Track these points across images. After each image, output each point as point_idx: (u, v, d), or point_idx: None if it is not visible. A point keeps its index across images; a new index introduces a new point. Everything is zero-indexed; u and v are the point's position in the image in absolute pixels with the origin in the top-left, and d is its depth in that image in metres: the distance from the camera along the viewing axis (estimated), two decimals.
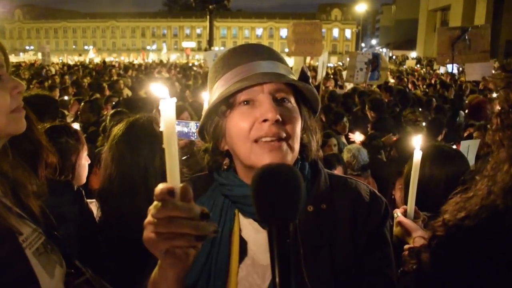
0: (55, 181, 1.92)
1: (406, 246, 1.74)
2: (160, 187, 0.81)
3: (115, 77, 16.01)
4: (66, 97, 9.13)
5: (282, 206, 0.83)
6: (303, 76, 1.28)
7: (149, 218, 0.84)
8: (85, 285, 1.49)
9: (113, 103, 7.10)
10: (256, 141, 1.17)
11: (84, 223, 2.06)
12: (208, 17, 31.27)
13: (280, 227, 0.82)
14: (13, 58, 35.49)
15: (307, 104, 1.31)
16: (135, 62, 36.61)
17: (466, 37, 8.95)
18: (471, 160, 4.08)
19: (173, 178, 0.83)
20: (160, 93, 0.83)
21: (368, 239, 1.24)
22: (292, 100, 1.24)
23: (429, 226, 1.19)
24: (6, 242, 1.21)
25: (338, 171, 4.04)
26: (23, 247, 1.25)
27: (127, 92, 11.12)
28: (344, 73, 12.98)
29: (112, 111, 5.15)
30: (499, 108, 1.04)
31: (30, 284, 1.22)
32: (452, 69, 10.33)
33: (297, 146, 1.22)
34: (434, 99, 8.93)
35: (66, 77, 15.38)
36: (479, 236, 0.99)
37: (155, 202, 0.83)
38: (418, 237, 1.73)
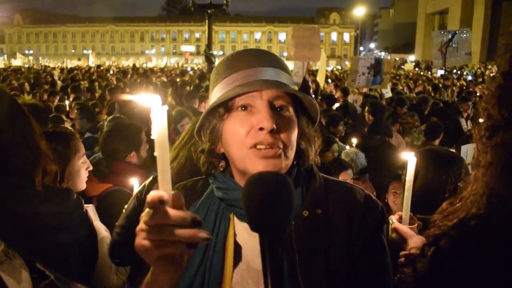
0: (54, 189, 1.92)
1: (402, 253, 1.73)
2: (152, 194, 0.81)
3: (114, 82, 16.02)
4: (67, 102, 9.10)
5: (272, 217, 0.83)
6: (304, 86, 1.28)
7: (141, 225, 0.84)
8: None
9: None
10: (251, 148, 1.17)
11: (84, 230, 2.05)
12: (207, 21, 31.24)
13: (272, 235, 0.82)
14: (12, 62, 35.55)
15: (306, 113, 1.30)
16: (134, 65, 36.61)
17: (455, 40, 9.26)
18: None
19: (165, 185, 0.83)
20: (151, 101, 0.82)
21: (364, 244, 1.23)
22: (291, 108, 1.23)
23: (423, 234, 1.21)
24: None
25: (345, 175, 4.06)
26: None
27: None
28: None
29: (110, 117, 5.12)
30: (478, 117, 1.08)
31: None
32: (444, 72, 10.65)
33: (291, 155, 1.22)
34: (427, 102, 8.96)
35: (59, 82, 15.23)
36: (469, 244, 1.00)
37: (147, 209, 0.83)
38: (414, 244, 1.73)
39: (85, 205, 2.34)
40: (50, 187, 1.86)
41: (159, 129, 0.81)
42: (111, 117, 5.45)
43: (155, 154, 0.82)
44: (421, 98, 9.33)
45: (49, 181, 1.86)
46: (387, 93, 10.04)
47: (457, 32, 9.54)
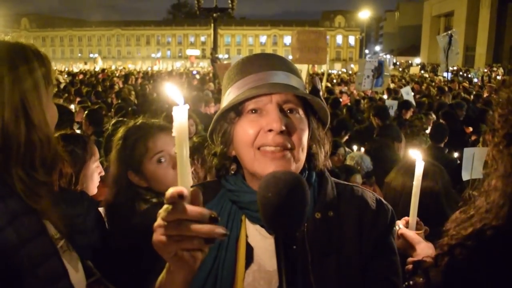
0: (69, 191, 1.94)
1: (409, 259, 1.71)
2: (171, 190, 0.83)
3: (120, 85, 16.09)
4: (72, 106, 9.12)
5: (288, 215, 0.85)
6: (313, 89, 1.30)
7: (159, 221, 0.86)
8: (95, 285, 1.54)
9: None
10: (259, 148, 1.20)
11: (98, 233, 2.06)
12: (212, 25, 31.26)
13: (287, 234, 0.85)
14: None
15: (316, 116, 1.32)
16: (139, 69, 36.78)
17: (452, 42, 9.45)
18: (477, 167, 4.04)
19: (184, 182, 0.85)
20: (175, 98, 0.84)
21: (374, 247, 1.25)
22: (301, 111, 1.25)
23: (436, 243, 1.19)
24: (41, 237, 1.26)
25: (356, 179, 4.08)
26: (54, 242, 1.32)
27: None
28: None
29: (114, 120, 5.10)
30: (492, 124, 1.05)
31: (63, 276, 1.28)
32: (448, 74, 10.82)
33: (302, 157, 1.24)
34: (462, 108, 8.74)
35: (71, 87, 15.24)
36: (486, 255, 0.99)
37: (165, 205, 0.85)
38: (422, 250, 1.70)
39: (100, 209, 2.36)
40: (65, 189, 1.89)
41: (179, 126, 0.83)
42: (114, 120, 5.45)
43: (175, 151, 0.84)
44: (455, 103, 9.09)
45: (64, 183, 1.88)
46: (408, 94, 9.87)
47: (452, 34, 9.73)
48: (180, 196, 0.83)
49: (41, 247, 1.24)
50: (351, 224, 1.26)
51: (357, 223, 1.26)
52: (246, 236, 1.27)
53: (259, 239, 1.26)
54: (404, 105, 8.20)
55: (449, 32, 10.12)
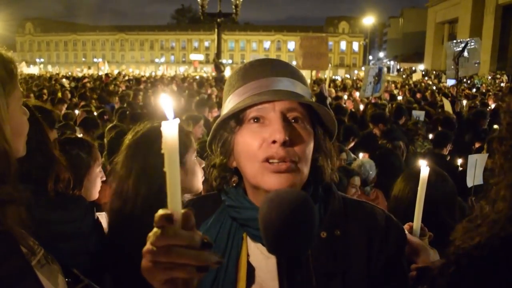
0: (66, 196, 1.92)
1: (413, 266, 1.67)
2: (160, 213, 0.76)
3: (122, 88, 16.15)
4: (77, 111, 9.09)
5: (292, 239, 0.79)
6: (320, 97, 1.23)
7: (148, 246, 0.78)
8: None
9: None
10: (262, 161, 1.12)
11: (95, 238, 2.04)
12: (216, 30, 31.39)
13: (291, 258, 0.79)
14: (24, 70, 35.90)
15: (323, 126, 1.24)
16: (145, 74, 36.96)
17: (466, 51, 9.36)
18: (479, 174, 4.06)
19: (174, 204, 0.77)
20: (165, 111, 0.77)
21: (384, 268, 1.17)
22: (306, 120, 1.17)
23: (444, 253, 1.16)
24: (12, 257, 1.20)
25: (355, 181, 4.06)
26: (28, 260, 1.25)
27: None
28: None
29: (109, 125, 5.06)
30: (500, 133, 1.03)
31: None
32: (456, 83, 10.75)
33: (306, 169, 1.16)
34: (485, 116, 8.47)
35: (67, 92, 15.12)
36: (492, 265, 0.97)
37: (154, 229, 0.78)
38: (426, 257, 1.67)
39: (98, 213, 2.35)
40: (62, 194, 1.87)
41: (169, 142, 0.75)
42: (111, 125, 5.43)
43: (164, 169, 0.77)
44: (477, 112, 8.71)
45: (61, 188, 1.87)
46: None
47: (468, 41, 9.62)
48: (168, 220, 0.76)
49: (12, 270, 1.17)
50: (359, 244, 1.18)
51: (365, 243, 1.18)
52: (248, 255, 1.19)
53: (261, 258, 1.18)
54: (398, 111, 8.23)
55: (467, 40, 9.98)
